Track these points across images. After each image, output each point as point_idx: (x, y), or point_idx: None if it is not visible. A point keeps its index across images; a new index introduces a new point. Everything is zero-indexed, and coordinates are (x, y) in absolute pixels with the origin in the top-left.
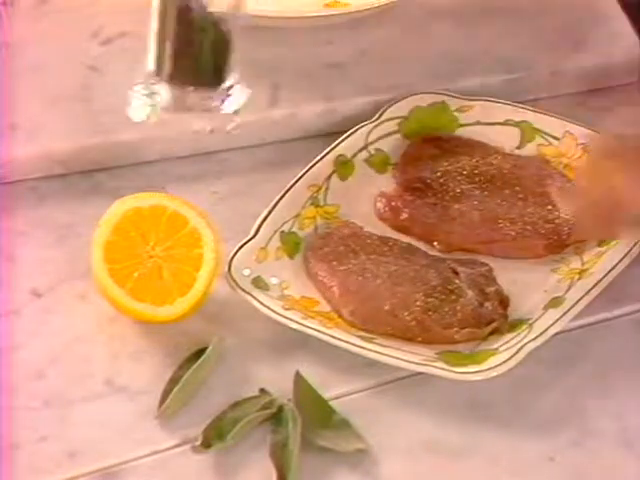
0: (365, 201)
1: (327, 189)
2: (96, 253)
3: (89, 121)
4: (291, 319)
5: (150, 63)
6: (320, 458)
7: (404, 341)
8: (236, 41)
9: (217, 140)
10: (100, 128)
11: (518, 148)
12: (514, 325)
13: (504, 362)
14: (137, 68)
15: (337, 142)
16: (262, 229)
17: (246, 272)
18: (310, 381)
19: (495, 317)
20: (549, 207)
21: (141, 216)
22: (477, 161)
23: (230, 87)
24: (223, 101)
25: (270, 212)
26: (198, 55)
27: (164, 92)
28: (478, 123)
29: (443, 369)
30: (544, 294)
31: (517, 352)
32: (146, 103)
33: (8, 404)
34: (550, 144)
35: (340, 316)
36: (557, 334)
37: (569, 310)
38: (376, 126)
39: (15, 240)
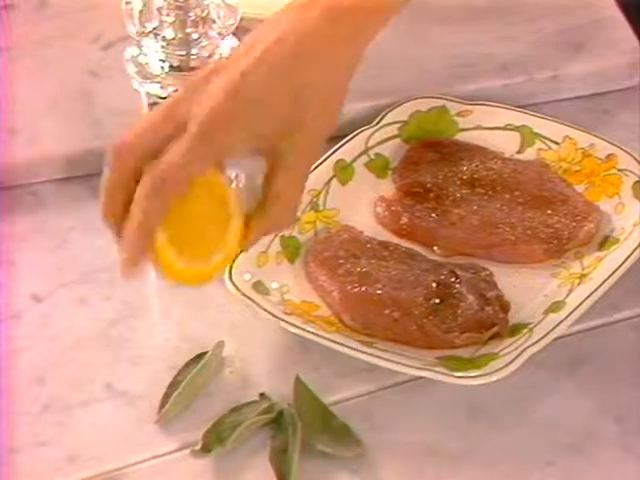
0: (365, 206)
1: (327, 193)
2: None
3: (89, 126)
4: (291, 324)
5: None
6: (320, 463)
7: (404, 345)
8: None
9: None
10: (100, 133)
11: (518, 152)
12: (514, 330)
13: (504, 366)
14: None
15: (337, 147)
16: None
17: (247, 277)
18: (310, 386)
19: (496, 322)
20: (549, 212)
21: None
22: (477, 166)
23: None
24: None
25: None
26: None
27: None
28: (478, 127)
29: (443, 373)
30: (544, 299)
31: (517, 356)
32: None
33: (8, 409)
34: (550, 149)
35: (340, 320)
36: (557, 339)
37: (569, 315)
38: (376, 130)
39: (15, 245)
